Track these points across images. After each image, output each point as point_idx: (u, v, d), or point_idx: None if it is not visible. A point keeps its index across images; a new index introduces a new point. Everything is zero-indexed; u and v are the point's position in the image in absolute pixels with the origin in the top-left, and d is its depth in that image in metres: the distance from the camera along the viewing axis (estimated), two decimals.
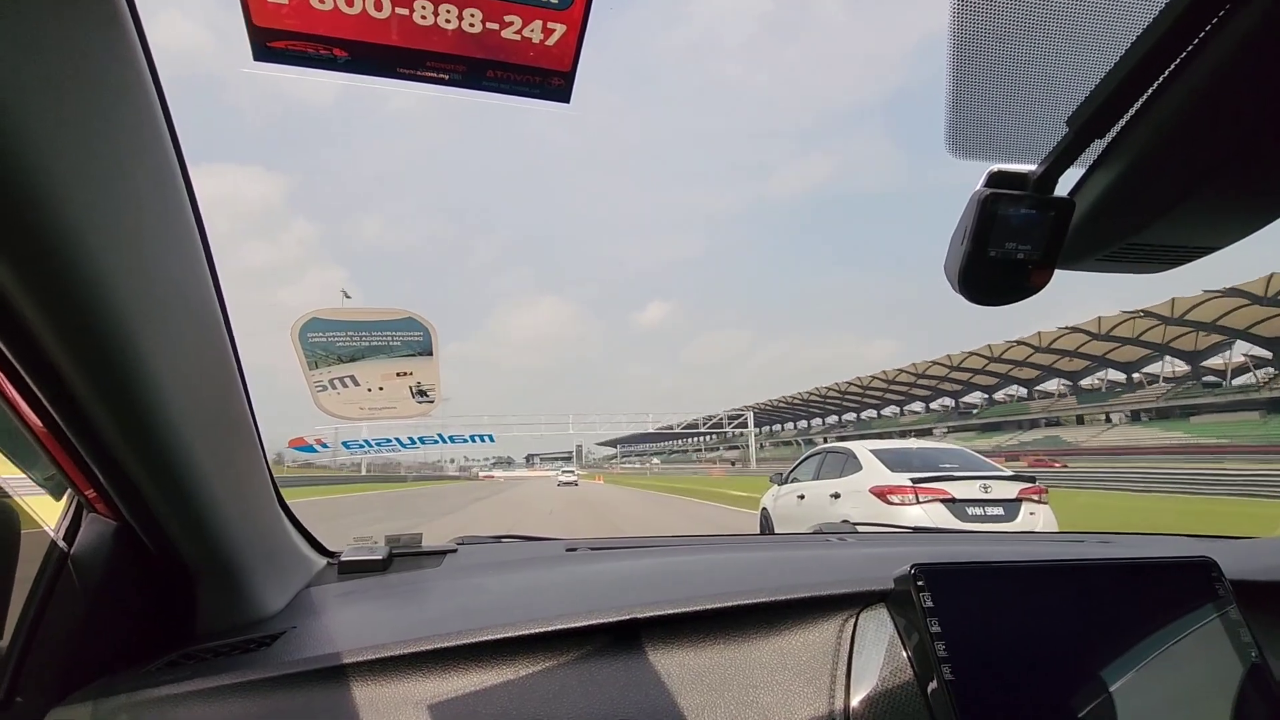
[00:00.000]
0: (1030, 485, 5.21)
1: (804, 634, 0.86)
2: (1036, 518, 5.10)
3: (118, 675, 0.75)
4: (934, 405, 72.38)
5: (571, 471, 45.02)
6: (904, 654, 0.81)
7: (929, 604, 0.78)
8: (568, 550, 1.30)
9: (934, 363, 62.15)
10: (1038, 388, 60.82)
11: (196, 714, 0.71)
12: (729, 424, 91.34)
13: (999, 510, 5.06)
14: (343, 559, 1.12)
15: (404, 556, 1.19)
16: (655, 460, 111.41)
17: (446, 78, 0.54)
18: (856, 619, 0.87)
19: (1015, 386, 62.46)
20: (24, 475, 0.74)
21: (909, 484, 5.17)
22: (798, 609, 0.87)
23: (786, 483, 7.07)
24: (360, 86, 0.53)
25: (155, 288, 0.59)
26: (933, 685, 0.75)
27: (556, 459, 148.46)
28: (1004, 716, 0.73)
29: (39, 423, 0.65)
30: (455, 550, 1.26)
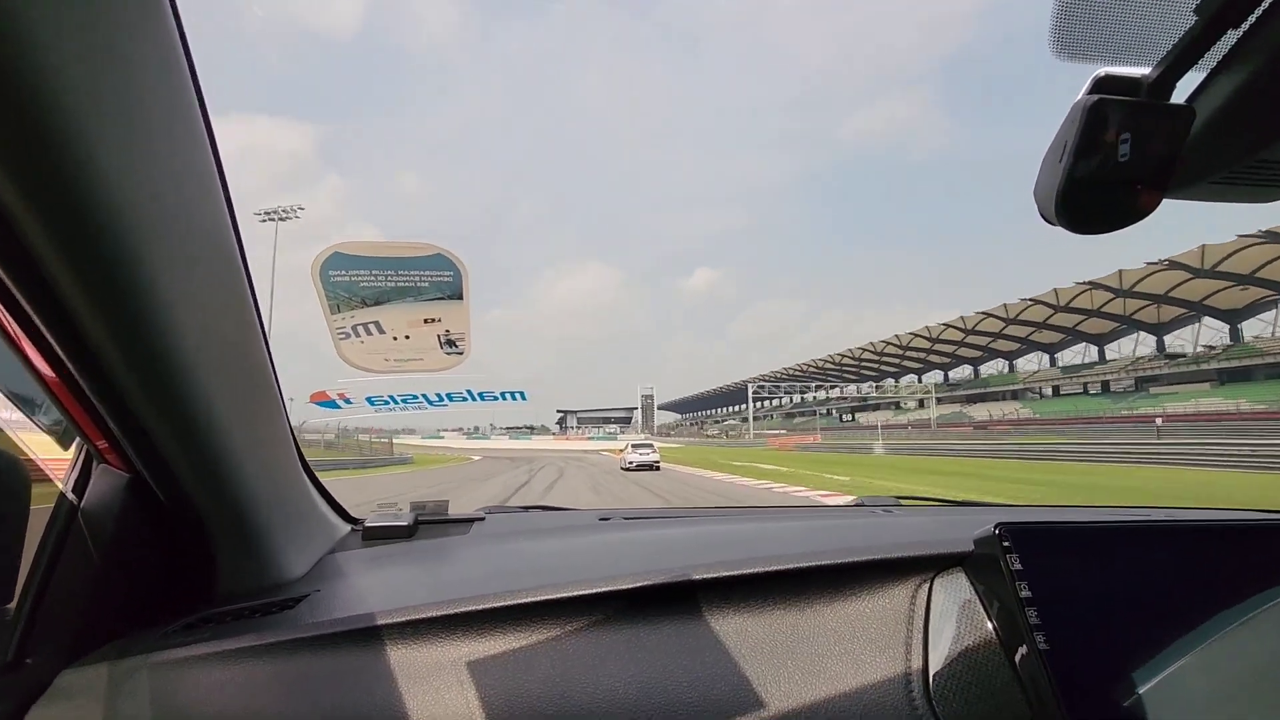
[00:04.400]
0: None
1: (873, 600, 0.90)
2: None
3: (132, 637, 0.82)
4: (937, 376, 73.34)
5: (649, 446, 29.07)
6: (987, 621, 0.84)
7: (1017, 566, 0.80)
8: (601, 520, 1.38)
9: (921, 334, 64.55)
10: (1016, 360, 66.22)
11: (215, 677, 0.77)
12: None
13: None
14: (367, 524, 1.21)
15: (430, 524, 1.28)
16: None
17: None
18: (931, 584, 0.91)
19: (999, 360, 66.52)
20: (30, 422, 0.80)
21: None
22: (865, 573, 0.91)
23: None
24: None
25: (172, 224, 0.63)
26: (1022, 651, 0.78)
27: (610, 419, 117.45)
28: (1102, 684, 0.76)
29: (48, 368, 0.69)
30: (483, 519, 1.35)
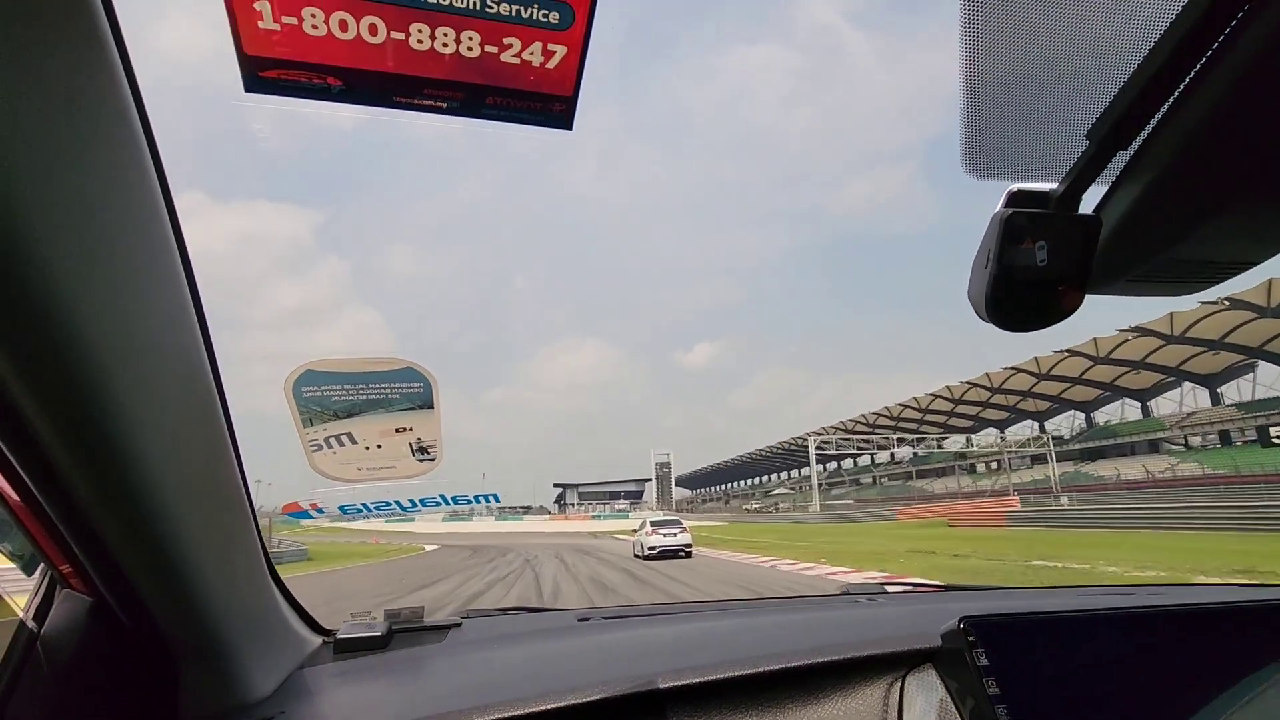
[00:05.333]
0: None
1: (845, 701, 0.91)
2: None
3: None
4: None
5: (676, 524, 20.80)
6: None
7: (984, 661, 0.82)
8: (580, 620, 1.40)
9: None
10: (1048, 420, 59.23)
11: None
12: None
13: None
14: (339, 637, 1.21)
15: (405, 632, 1.29)
16: None
17: (445, 105, 0.59)
18: (903, 682, 0.92)
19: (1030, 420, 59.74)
20: None
21: None
22: (836, 673, 0.93)
23: None
24: (386, 119, 0.59)
25: (137, 342, 0.64)
26: None
27: (618, 494, 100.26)
28: None
29: (12, 493, 0.71)
30: (459, 624, 1.35)
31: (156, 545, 0.75)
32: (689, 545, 19.73)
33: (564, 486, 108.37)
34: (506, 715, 0.85)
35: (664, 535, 19.82)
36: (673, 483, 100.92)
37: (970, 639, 0.83)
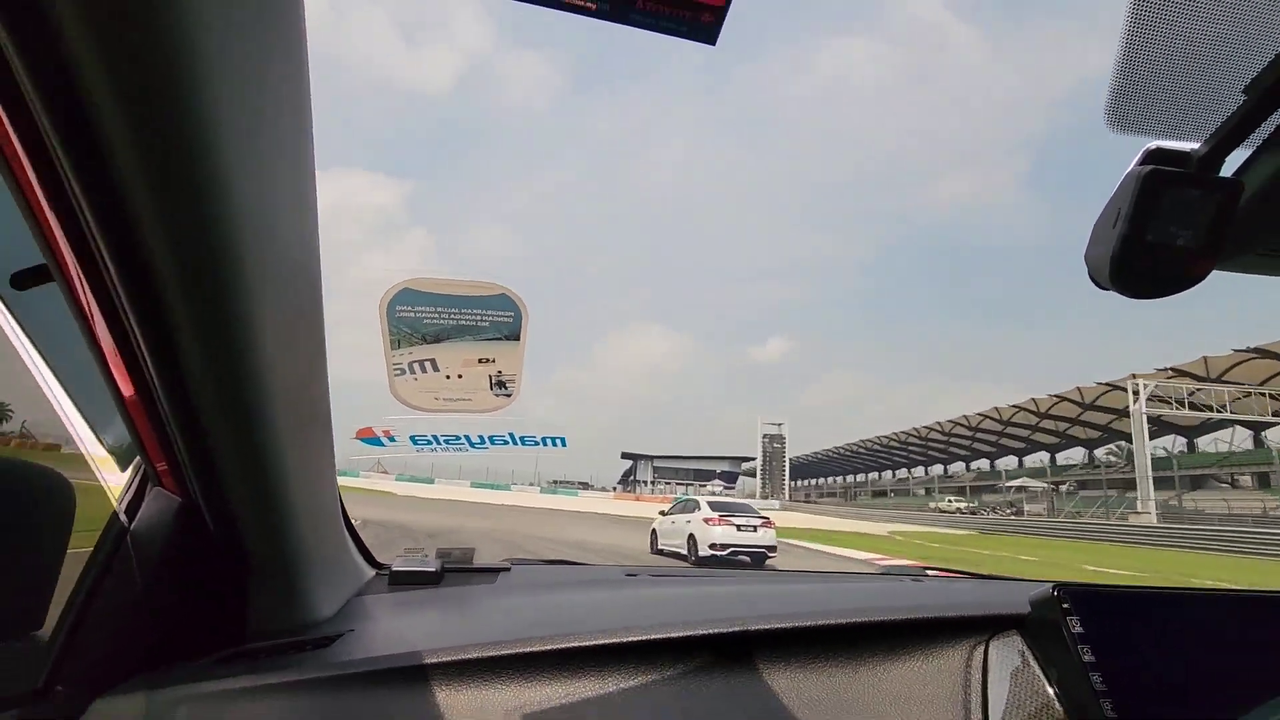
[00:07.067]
0: None
1: (928, 661, 0.93)
2: None
3: (168, 668, 0.88)
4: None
5: (749, 511, 13.70)
6: (1047, 687, 0.87)
7: (1079, 629, 0.84)
8: (628, 575, 1.44)
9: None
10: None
11: (250, 712, 0.82)
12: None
13: None
14: (394, 569, 1.28)
15: (456, 572, 1.36)
16: None
17: (594, 6, 0.58)
18: (987, 646, 0.94)
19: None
20: (94, 441, 0.88)
21: None
22: (920, 634, 0.95)
23: None
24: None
25: (276, 257, 0.71)
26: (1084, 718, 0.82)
27: (710, 474, 76.47)
28: None
29: (129, 386, 0.77)
30: (509, 569, 1.42)
31: (254, 449, 0.81)
32: (773, 547, 13.13)
33: (635, 458, 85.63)
34: (590, 644, 0.89)
35: (739, 527, 12.91)
36: (786, 463, 76.30)
37: (1065, 606, 0.85)
